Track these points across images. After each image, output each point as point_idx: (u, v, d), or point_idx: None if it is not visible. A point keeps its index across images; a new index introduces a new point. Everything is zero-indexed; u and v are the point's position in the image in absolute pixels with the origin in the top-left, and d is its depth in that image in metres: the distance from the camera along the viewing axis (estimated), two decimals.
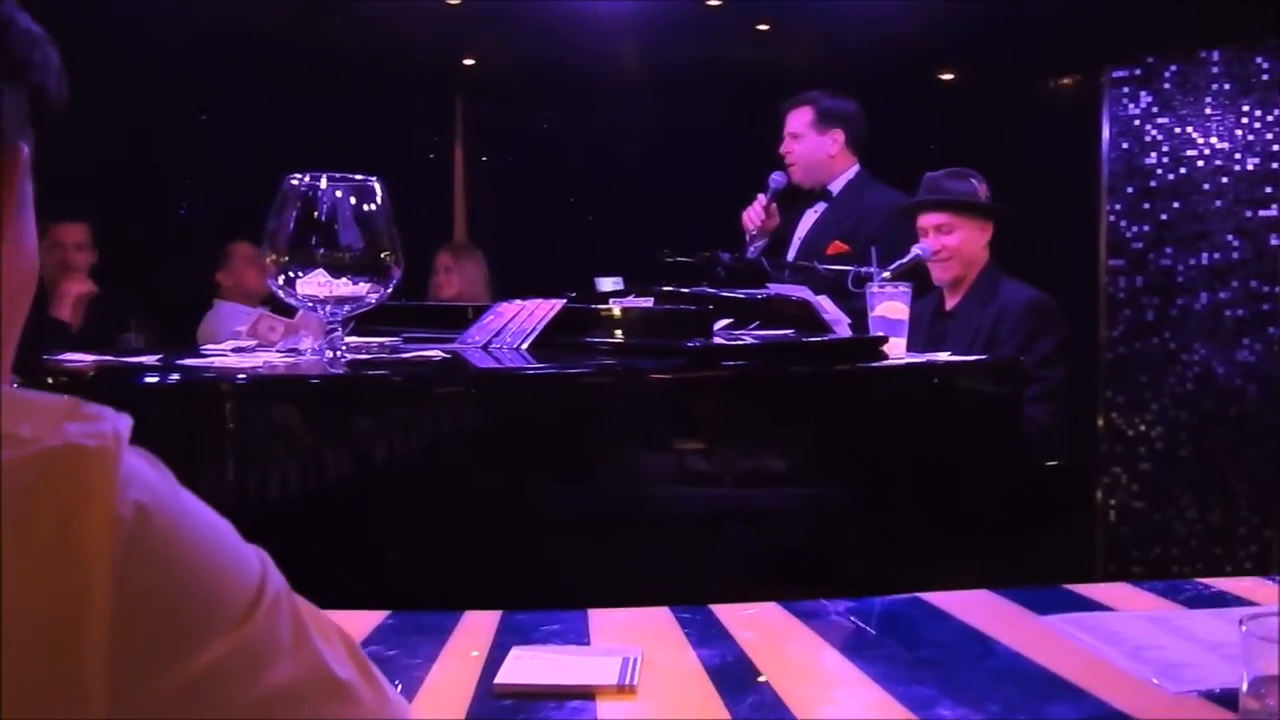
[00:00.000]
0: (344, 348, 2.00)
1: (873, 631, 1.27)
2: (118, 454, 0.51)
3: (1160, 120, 5.11)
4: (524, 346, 2.31)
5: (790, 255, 3.68)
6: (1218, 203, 4.97)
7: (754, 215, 3.71)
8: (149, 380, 1.89)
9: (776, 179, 3.72)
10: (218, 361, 2.00)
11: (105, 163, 4.50)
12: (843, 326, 2.60)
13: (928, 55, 5.45)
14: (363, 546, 1.72)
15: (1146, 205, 5.14)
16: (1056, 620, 1.26)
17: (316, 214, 2.01)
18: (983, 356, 2.83)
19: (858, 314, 2.65)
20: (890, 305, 2.62)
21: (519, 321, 2.45)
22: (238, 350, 2.27)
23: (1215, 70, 4.98)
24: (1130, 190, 5.18)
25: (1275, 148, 4.83)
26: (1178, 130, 5.07)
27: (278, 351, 2.24)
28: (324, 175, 2.00)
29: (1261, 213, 4.87)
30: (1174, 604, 1.36)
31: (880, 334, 2.45)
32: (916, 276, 3.03)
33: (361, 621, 1.24)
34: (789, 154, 3.75)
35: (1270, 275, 4.86)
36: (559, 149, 5.41)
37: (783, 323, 2.62)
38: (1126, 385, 5.19)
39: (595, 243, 5.21)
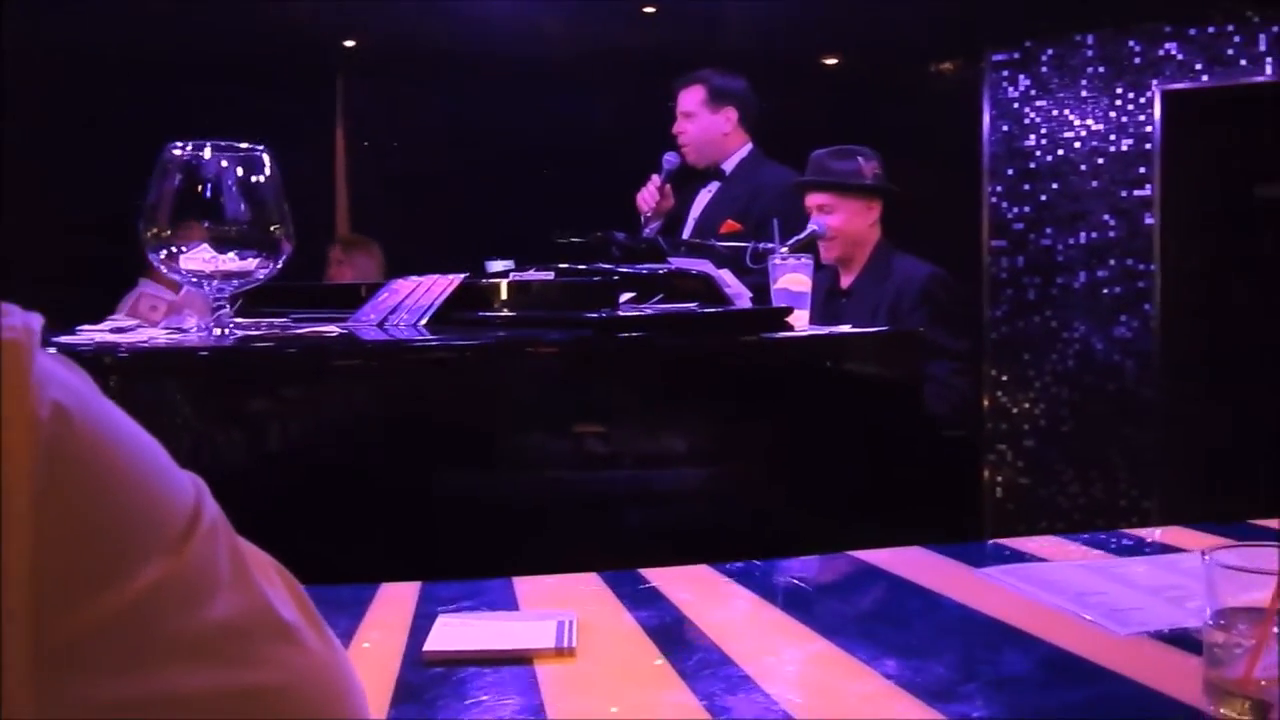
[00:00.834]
0: (231, 325, 1.89)
1: (809, 588, 1.23)
2: (30, 348, 0.44)
3: (1039, 103, 5.21)
4: (422, 323, 2.22)
5: (685, 235, 3.64)
6: (1094, 183, 5.09)
7: (648, 197, 3.67)
8: None
9: (669, 159, 3.68)
10: (98, 337, 1.88)
11: None
12: (745, 300, 2.57)
13: (812, 40, 5.48)
14: (257, 524, 1.62)
15: (1026, 186, 5.25)
16: (994, 571, 1.23)
17: (200, 185, 1.90)
18: (883, 328, 2.83)
19: (756, 290, 2.63)
20: (793, 278, 2.60)
21: (415, 298, 2.37)
22: (116, 330, 2.14)
23: (1090, 54, 5.10)
24: (1011, 172, 5.28)
25: (1148, 129, 4.97)
26: (1055, 113, 5.18)
27: (161, 329, 2.12)
28: (208, 144, 1.89)
29: (1136, 192, 5.01)
30: (1105, 553, 1.35)
31: (785, 305, 2.43)
32: (813, 252, 3.02)
33: None
34: (682, 133, 3.72)
35: (1145, 253, 5.00)
36: (444, 133, 5.29)
37: (684, 297, 2.58)
38: (1010, 364, 5.29)
39: (483, 227, 5.10)
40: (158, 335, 2.00)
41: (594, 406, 1.93)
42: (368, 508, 1.70)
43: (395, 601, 1.17)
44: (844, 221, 3.20)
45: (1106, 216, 5.07)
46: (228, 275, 1.88)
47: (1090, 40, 5.09)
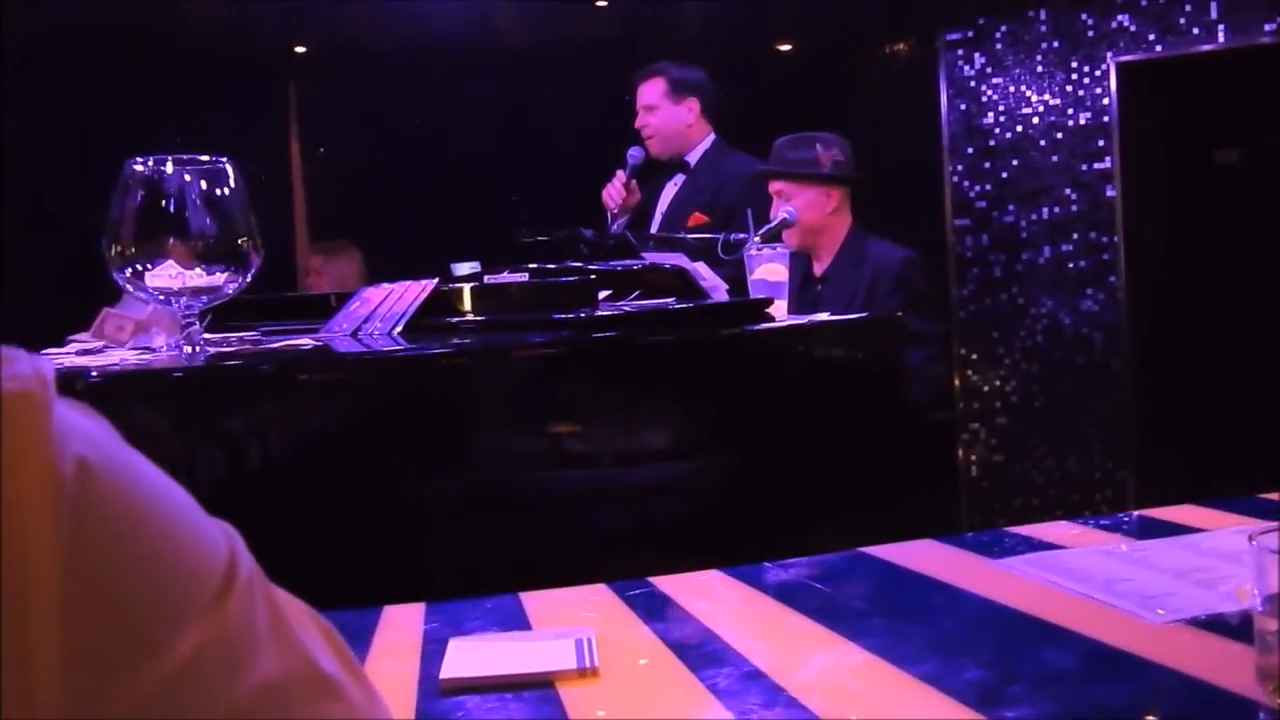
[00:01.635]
0: (202, 342, 1.84)
1: (826, 590, 1.20)
2: (46, 399, 0.39)
3: (995, 80, 5.21)
4: (397, 331, 2.17)
5: (653, 229, 3.61)
6: (1054, 158, 5.09)
7: (614, 193, 3.63)
8: None
9: (634, 154, 3.64)
10: (65, 361, 1.81)
11: None
12: (721, 292, 2.54)
13: (765, 28, 5.45)
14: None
15: (987, 164, 5.24)
16: (1015, 562, 1.20)
17: (163, 201, 1.84)
18: (863, 314, 2.80)
19: (730, 282, 2.60)
20: (770, 268, 2.57)
21: (388, 306, 2.31)
22: (83, 353, 2.08)
23: (1044, 29, 5.10)
24: (970, 150, 5.27)
25: (1105, 102, 4.98)
26: (1012, 89, 5.18)
27: (130, 350, 2.06)
28: (169, 158, 1.83)
29: (1096, 165, 5.01)
30: (1122, 536, 1.32)
31: (765, 296, 2.39)
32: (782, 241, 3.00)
33: None
34: (645, 127, 3.68)
35: (1108, 226, 5.01)
36: (402, 136, 5.21)
37: (660, 293, 2.54)
38: (979, 342, 5.29)
39: (447, 230, 5.04)
40: (128, 356, 1.94)
41: (580, 409, 1.89)
42: (356, 525, 1.66)
43: (401, 625, 1.13)
44: (802, 209, 3.18)
45: (1068, 191, 5.08)
46: (196, 291, 1.83)
47: (1043, 15, 5.09)
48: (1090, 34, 5.00)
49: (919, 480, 2.50)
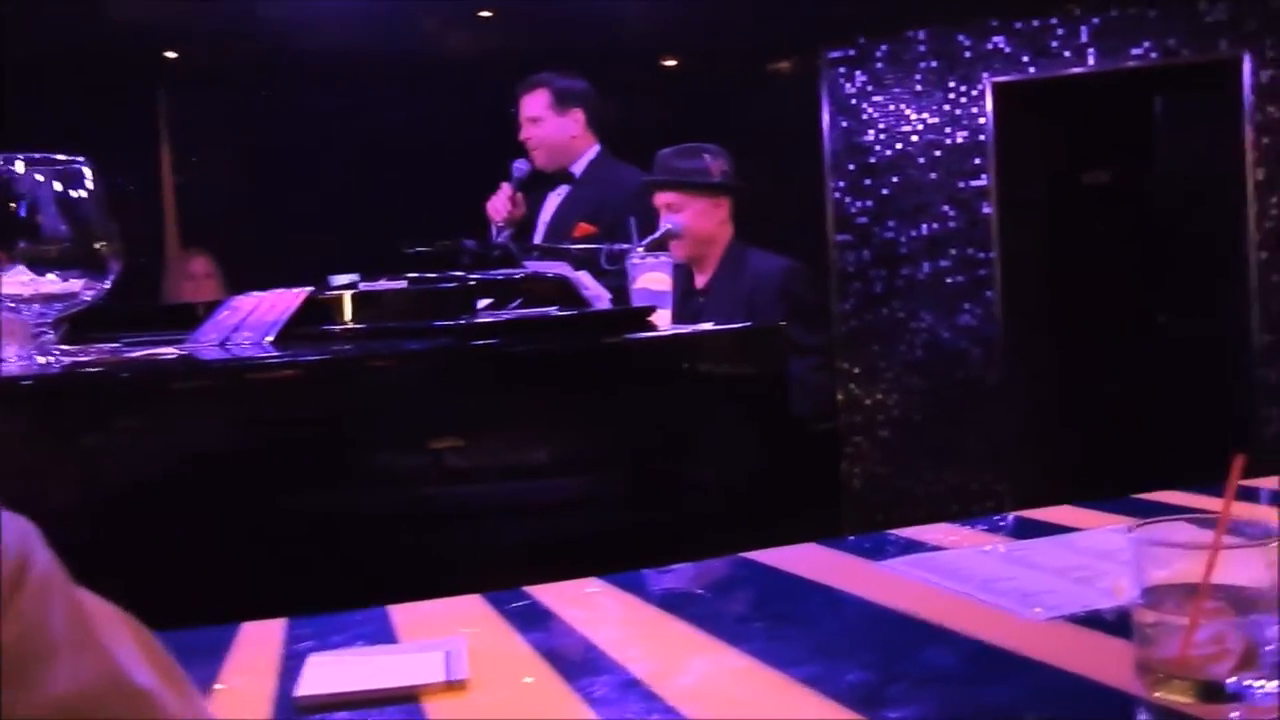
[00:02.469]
0: (57, 352, 1.74)
1: (706, 595, 1.17)
2: None
3: (876, 99, 5.29)
4: (268, 340, 2.09)
5: (537, 239, 3.56)
6: (932, 175, 5.19)
7: (499, 205, 3.58)
8: None
9: (520, 166, 3.59)
10: None
11: None
12: (604, 301, 2.51)
13: (652, 42, 5.46)
14: (100, 569, 1.48)
15: (868, 181, 5.32)
16: (896, 564, 1.19)
17: (13, 202, 1.75)
18: (747, 324, 2.80)
19: (614, 292, 2.57)
20: (653, 276, 2.55)
21: (259, 315, 2.23)
22: None
23: (923, 49, 5.19)
24: (852, 167, 5.35)
25: (981, 120, 5.09)
26: (892, 108, 5.26)
27: None
28: (19, 158, 1.74)
29: (973, 183, 5.12)
30: (1001, 536, 1.32)
31: (648, 305, 2.37)
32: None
33: None
34: (530, 138, 3.64)
35: (983, 242, 5.12)
36: (278, 145, 5.09)
37: (542, 301, 2.50)
38: (861, 356, 5.35)
39: (324, 242, 4.93)
40: None
41: (456, 418, 1.83)
42: (220, 541, 1.58)
43: (258, 642, 1.06)
44: (692, 220, 3.17)
45: (946, 207, 5.18)
46: (50, 298, 1.73)
47: (922, 35, 5.19)
48: (967, 55, 5.11)
49: (803, 491, 2.50)
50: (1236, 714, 0.78)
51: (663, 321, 2.40)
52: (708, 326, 2.52)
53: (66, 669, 0.40)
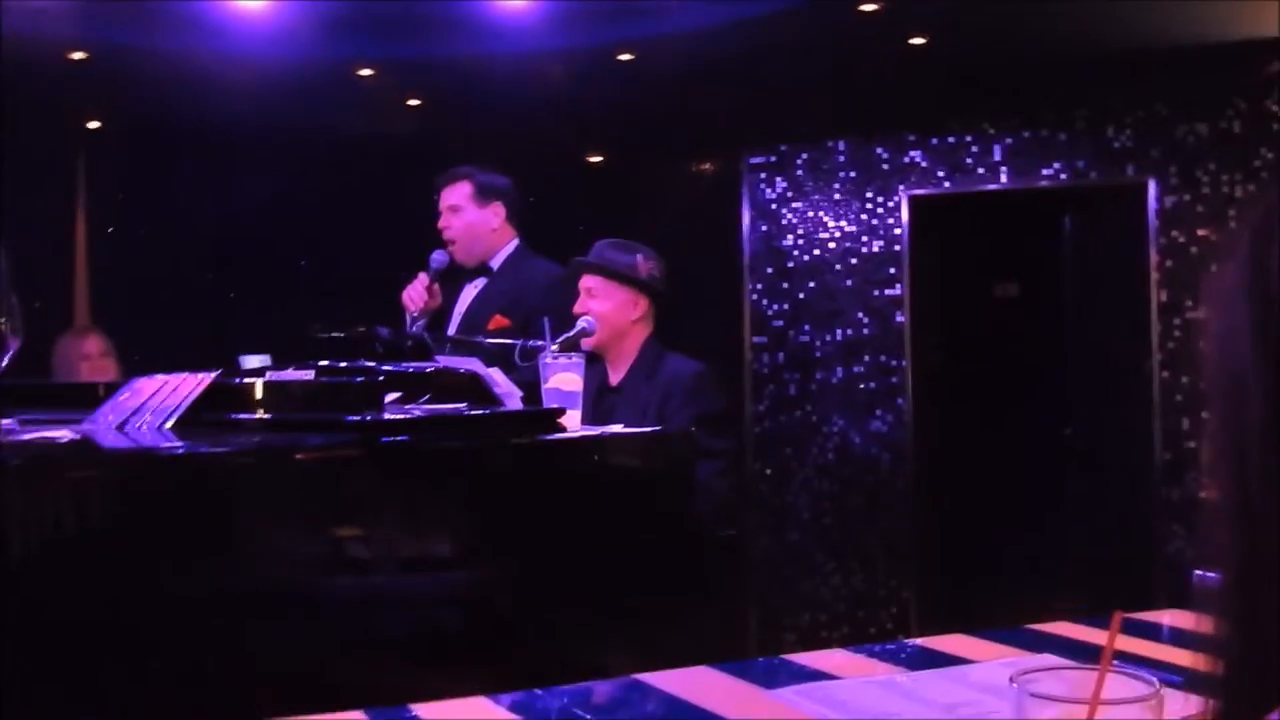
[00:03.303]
0: None
1: None
2: None
3: (795, 204, 5.40)
4: (168, 426, 2.05)
5: (451, 331, 3.55)
6: (848, 282, 5.29)
7: (415, 295, 3.56)
8: None
9: (438, 258, 3.59)
10: None
11: None
12: (515, 399, 2.50)
13: (576, 138, 5.53)
14: None
15: (785, 285, 5.40)
16: (787, 693, 1.18)
17: None
18: (657, 428, 2.80)
19: (526, 387, 2.56)
20: (564, 377, 2.55)
21: (160, 398, 2.18)
22: None
23: (842, 159, 5.32)
24: (770, 270, 5.43)
25: (896, 231, 5.21)
26: (811, 214, 5.37)
27: None
28: None
29: (887, 292, 5.23)
30: (895, 666, 1.32)
31: (557, 405, 2.37)
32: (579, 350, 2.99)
33: None
34: (449, 228, 3.64)
35: (896, 350, 5.21)
36: (196, 221, 5.03)
37: (453, 396, 2.48)
38: (773, 458, 5.38)
39: (238, 321, 4.86)
40: None
41: (359, 515, 1.81)
42: (105, 637, 1.52)
43: None
44: (610, 310, 3.19)
45: (860, 314, 5.27)
46: None
47: (841, 146, 5.32)
48: (885, 167, 5.25)
49: (707, 595, 2.49)
50: None
51: (572, 422, 2.40)
52: (616, 429, 2.51)
53: None
